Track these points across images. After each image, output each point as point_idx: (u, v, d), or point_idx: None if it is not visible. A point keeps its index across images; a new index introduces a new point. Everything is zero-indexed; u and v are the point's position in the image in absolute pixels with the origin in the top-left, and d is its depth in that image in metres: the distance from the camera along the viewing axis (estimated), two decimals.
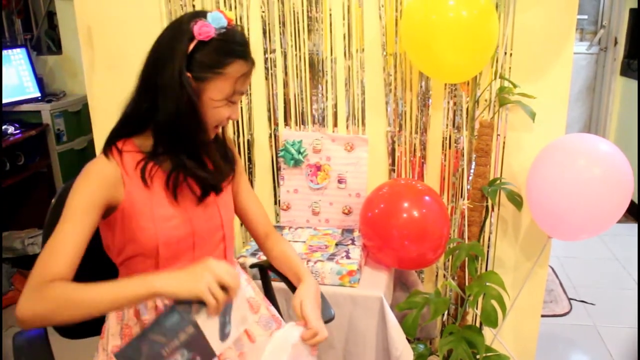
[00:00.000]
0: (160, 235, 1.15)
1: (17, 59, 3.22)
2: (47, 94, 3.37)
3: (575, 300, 2.89)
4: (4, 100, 3.10)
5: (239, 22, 1.96)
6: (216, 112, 1.15)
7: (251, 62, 1.16)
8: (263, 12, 1.95)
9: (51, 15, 3.54)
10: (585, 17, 4.50)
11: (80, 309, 0.98)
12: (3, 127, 2.91)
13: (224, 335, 1.09)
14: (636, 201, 3.90)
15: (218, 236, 1.29)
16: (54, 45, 3.60)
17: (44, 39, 3.60)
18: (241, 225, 2.17)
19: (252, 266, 1.70)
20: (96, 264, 1.21)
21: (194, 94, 1.11)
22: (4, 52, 3.16)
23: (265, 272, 1.61)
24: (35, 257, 3.38)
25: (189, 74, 1.10)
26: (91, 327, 1.33)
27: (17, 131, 2.97)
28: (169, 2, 1.98)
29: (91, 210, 1.07)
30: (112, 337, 1.20)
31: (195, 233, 1.22)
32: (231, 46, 1.12)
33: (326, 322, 1.31)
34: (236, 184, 1.39)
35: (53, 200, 1.38)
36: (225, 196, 1.32)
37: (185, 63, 1.10)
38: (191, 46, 1.09)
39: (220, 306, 1.02)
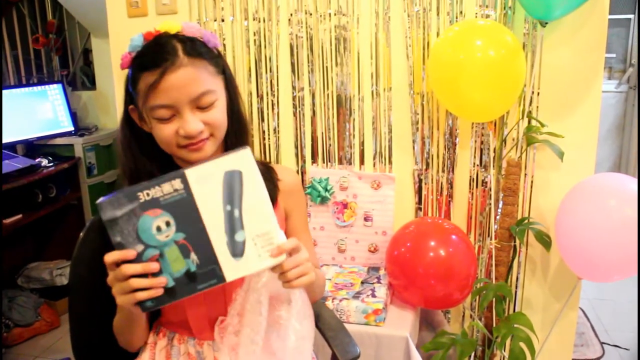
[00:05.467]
0: None
1: (53, 94, 3.32)
2: (80, 128, 3.45)
3: (608, 344, 2.81)
4: (40, 134, 3.19)
5: (267, 62, 2.01)
6: (156, 132, 1.05)
7: (159, 70, 1.00)
8: (292, 51, 1.99)
9: (87, 52, 3.66)
10: (614, 55, 4.48)
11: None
12: (37, 160, 2.99)
13: (235, 245, 0.90)
14: None
15: None
16: (89, 81, 3.71)
17: (79, 75, 3.72)
18: None
19: None
20: None
21: (135, 120, 1.09)
22: (42, 88, 3.27)
23: None
24: (62, 288, 3.38)
25: (131, 106, 1.09)
26: None
27: (51, 164, 3.04)
28: None
29: None
30: None
31: None
32: (136, 62, 1.05)
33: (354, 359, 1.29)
34: (288, 219, 1.26)
35: (81, 234, 1.38)
36: None
37: (129, 97, 1.09)
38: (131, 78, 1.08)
39: None
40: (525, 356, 1.67)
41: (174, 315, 1.15)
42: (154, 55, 1.02)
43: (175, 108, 1.02)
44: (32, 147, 3.22)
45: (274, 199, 1.18)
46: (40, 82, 3.42)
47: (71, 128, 3.36)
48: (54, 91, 3.33)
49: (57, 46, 3.57)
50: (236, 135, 1.14)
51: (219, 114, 1.07)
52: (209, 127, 1.05)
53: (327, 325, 1.38)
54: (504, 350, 1.94)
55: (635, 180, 1.67)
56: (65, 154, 3.26)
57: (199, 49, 1.05)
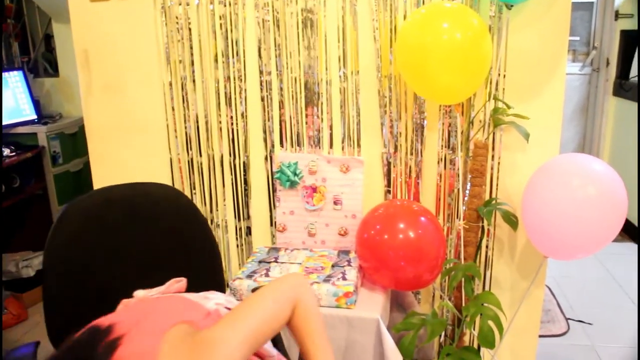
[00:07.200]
0: None
1: (13, 82, 3.23)
2: (43, 116, 3.37)
3: (573, 320, 2.88)
4: None
5: (234, 47, 1.98)
6: None
7: None
8: (259, 34, 1.97)
9: (48, 38, 3.56)
10: (577, 38, 4.56)
11: None
12: None
13: None
14: (634, 222, 3.91)
15: None
16: (51, 67, 3.62)
17: (41, 61, 3.62)
18: (237, 246, 2.17)
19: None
20: None
21: None
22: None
23: None
24: (29, 280, 3.34)
25: None
26: None
27: (13, 153, 2.97)
28: (165, 25, 2.00)
29: None
30: None
31: None
32: None
33: None
34: None
35: (56, 220, 1.40)
36: None
37: None
38: None
39: None
40: (494, 334, 1.71)
41: None
42: None
43: None
44: None
45: None
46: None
47: (34, 116, 3.29)
48: (15, 78, 3.24)
49: (16, 32, 3.47)
50: None
51: None
52: None
53: None
54: (474, 329, 1.98)
55: (599, 160, 1.71)
56: (28, 143, 3.19)
57: None
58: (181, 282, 1.31)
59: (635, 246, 3.84)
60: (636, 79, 3.94)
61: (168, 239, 1.54)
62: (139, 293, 1.23)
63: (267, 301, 1.04)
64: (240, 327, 0.94)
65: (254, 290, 1.69)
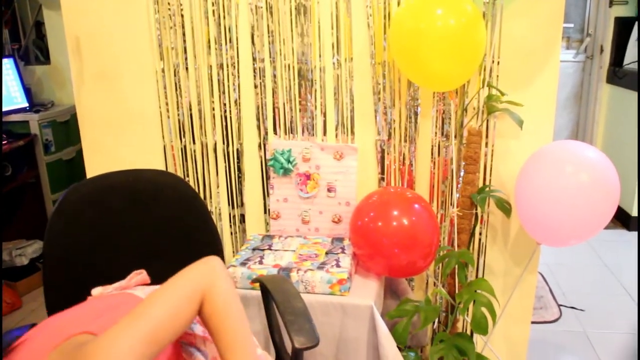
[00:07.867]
0: None
1: (4, 69, 3.20)
2: (35, 104, 3.35)
3: (565, 306, 2.91)
4: None
5: (227, 33, 1.97)
6: None
7: None
8: (252, 21, 1.95)
9: (39, 25, 3.53)
10: (571, 25, 4.55)
11: None
12: None
13: None
14: (627, 209, 3.93)
15: None
16: (42, 55, 3.59)
17: (32, 48, 3.59)
18: (231, 233, 2.17)
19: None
20: None
21: None
22: None
23: (267, 292, 1.48)
24: (22, 268, 3.33)
25: None
26: None
27: (5, 141, 2.95)
28: (157, 12, 1.99)
29: None
30: None
31: None
32: None
33: (311, 347, 1.23)
34: None
35: (55, 207, 1.42)
36: None
37: None
38: None
39: None
40: (487, 320, 1.72)
41: None
42: None
43: None
44: None
45: None
46: None
47: (25, 104, 3.26)
48: (6, 66, 3.21)
49: (6, 18, 3.43)
50: None
51: None
52: None
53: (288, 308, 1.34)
54: (467, 315, 1.99)
55: (592, 147, 1.71)
56: (20, 131, 3.17)
57: None
58: (142, 274, 1.30)
59: (627, 233, 3.87)
60: (630, 66, 3.94)
61: (168, 225, 1.54)
62: (95, 291, 1.22)
63: (168, 298, 0.95)
64: (129, 333, 0.85)
65: (254, 280, 1.69)
